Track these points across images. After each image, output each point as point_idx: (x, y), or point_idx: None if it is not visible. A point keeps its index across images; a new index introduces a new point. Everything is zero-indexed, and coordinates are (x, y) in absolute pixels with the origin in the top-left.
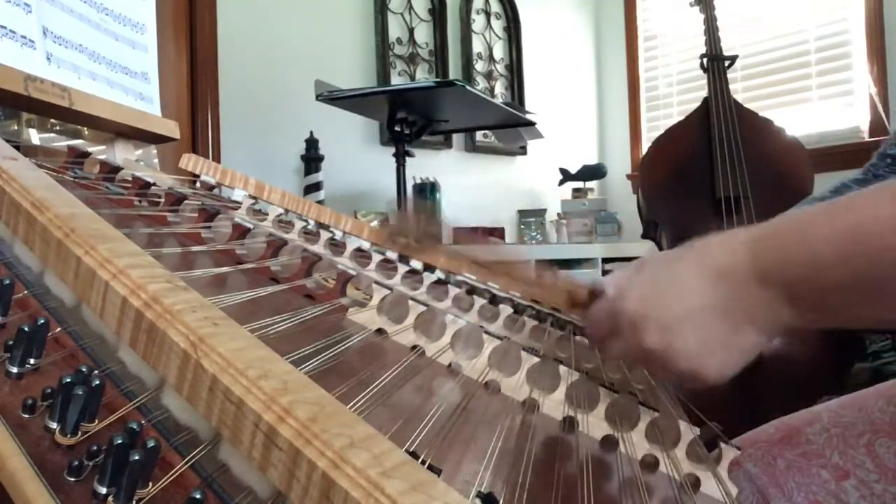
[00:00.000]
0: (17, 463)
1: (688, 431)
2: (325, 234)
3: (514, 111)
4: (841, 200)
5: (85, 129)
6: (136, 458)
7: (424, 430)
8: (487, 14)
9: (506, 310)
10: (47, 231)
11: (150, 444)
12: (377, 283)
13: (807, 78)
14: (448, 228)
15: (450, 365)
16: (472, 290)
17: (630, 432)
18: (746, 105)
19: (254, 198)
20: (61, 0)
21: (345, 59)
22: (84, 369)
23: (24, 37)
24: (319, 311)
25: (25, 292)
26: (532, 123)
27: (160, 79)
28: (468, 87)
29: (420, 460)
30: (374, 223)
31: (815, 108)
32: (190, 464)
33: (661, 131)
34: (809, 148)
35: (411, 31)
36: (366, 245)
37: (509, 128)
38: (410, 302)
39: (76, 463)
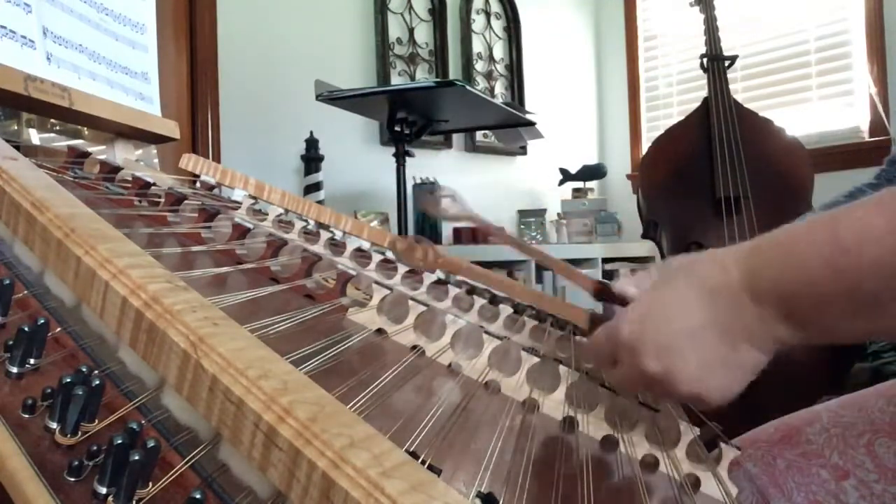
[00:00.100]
0: (17, 463)
1: (688, 431)
2: (325, 234)
3: (514, 111)
4: (831, 213)
5: (85, 129)
6: (136, 458)
7: (424, 430)
8: (487, 14)
9: (506, 310)
10: (47, 231)
11: (150, 444)
12: (377, 283)
13: (807, 78)
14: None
15: (450, 365)
16: (472, 290)
17: (630, 432)
18: (746, 105)
19: (254, 198)
20: (61, 0)
21: (345, 59)
22: (84, 369)
23: (24, 37)
24: (319, 311)
25: (25, 292)
26: (532, 123)
27: (160, 79)
28: (468, 87)
29: (420, 460)
30: (374, 223)
31: (815, 108)
32: (190, 464)
33: (661, 131)
34: (809, 148)
35: (411, 31)
36: (366, 245)
37: (509, 128)
38: (410, 302)
39: (76, 463)
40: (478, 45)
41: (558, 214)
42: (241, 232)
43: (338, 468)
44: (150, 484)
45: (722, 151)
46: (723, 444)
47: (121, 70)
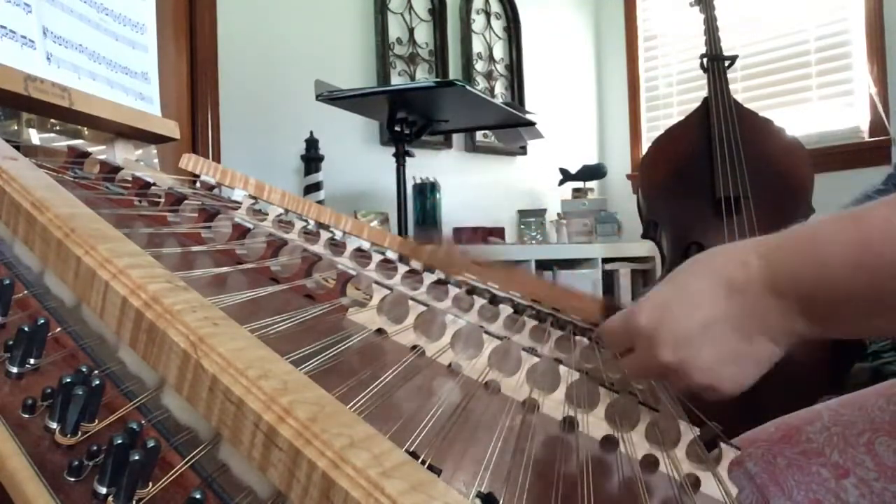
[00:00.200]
0: (17, 463)
1: (688, 431)
2: (325, 234)
3: (514, 111)
4: (853, 211)
5: (85, 129)
6: (136, 458)
7: (424, 430)
8: (487, 14)
9: (506, 310)
10: (47, 231)
11: (150, 444)
12: (377, 283)
13: (807, 78)
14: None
15: (450, 365)
16: (472, 290)
17: (630, 432)
18: (746, 105)
19: (254, 198)
20: (61, 0)
21: (345, 59)
22: (84, 369)
23: (24, 37)
24: (319, 311)
25: (25, 292)
26: (532, 123)
27: (160, 79)
28: (468, 87)
29: (420, 460)
30: (374, 223)
31: (815, 108)
32: (190, 464)
33: (661, 131)
34: (809, 148)
35: (411, 31)
36: (366, 245)
37: (509, 128)
38: (410, 302)
39: (76, 463)
40: (478, 45)
41: (558, 214)
42: (241, 232)
43: (338, 468)
44: (150, 484)
45: (722, 151)
46: (723, 444)
47: (121, 70)
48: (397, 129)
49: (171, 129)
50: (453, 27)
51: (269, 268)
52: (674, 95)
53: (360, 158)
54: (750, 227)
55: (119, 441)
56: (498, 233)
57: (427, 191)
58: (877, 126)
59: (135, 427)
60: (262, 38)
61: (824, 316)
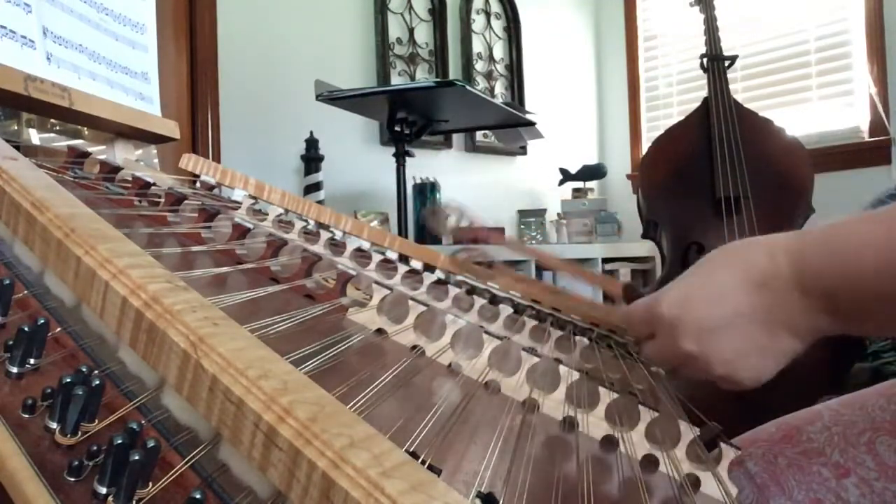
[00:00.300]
0: (17, 463)
1: (688, 431)
2: (325, 234)
3: (514, 111)
4: (881, 211)
5: (85, 129)
6: (136, 458)
7: (424, 430)
8: (487, 14)
9: (506, 310)
10: (47, 231)
11: (150, 444)
12: (377, 283)
13: (807, 78)
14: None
15: (450, 365)
16: (472, 290)
17: (630, 432)
18: (746, 105)
19: (254, 198)
20: (61, 0)
21: (345, 59)
22: (84, 369)
23: (24, 37)
24: (319, 311)
25: (25, 292)
26: (532, 123)
27: (160, 79)
28: (468, 87)
29: (420, 460)
30: (374, 223)
31: (815, 108)
32: (190, 464)
33: (661, 131)
34: (809, 148)
35: (411, 31)
36: (366, 245)
37: (509, 128)
38: (410, 302)
39: (76, 463)
40: (478, 45)
41: (558, 214)
42: (241, 232)
43: (338, 468)
44: (150, 484)
45: (722, 151)
46: (723, 444)
47: (121, 70)
48: (397, 129)
49: (171, 129)
50: (453, 27)
51: (269, 268)
52: (674, 95)
53: (360, 158)
54: (750, 227)
55: (119, 441)
56: (498, 233)
57: (427, 191)
58: (877, 126)
59: (135, 427)
60: (262, 38)
61: (848, 313)
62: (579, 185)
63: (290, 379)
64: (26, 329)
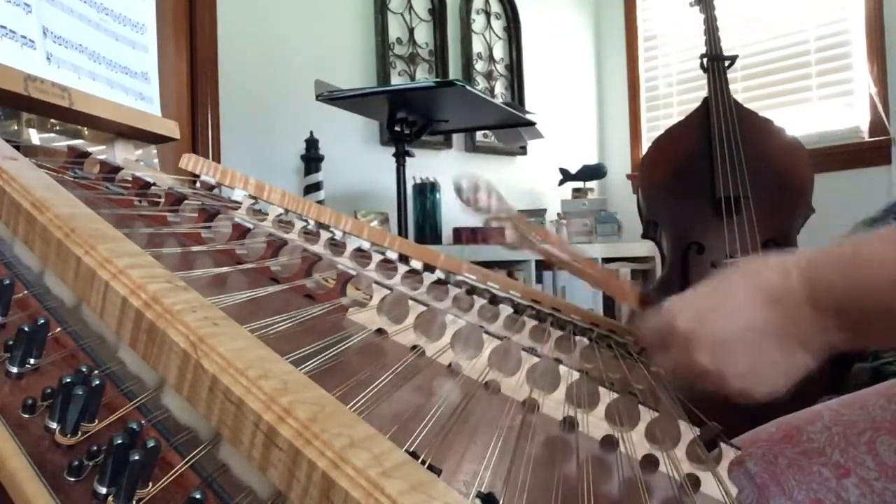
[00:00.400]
0: (17, 463)
1: (688, 431)
2: (325, 234)
3: (514, 111)
4: (890, 230)
5: (85, 129)
6: (136, 458)
7: (424, 430)
8: (487, 14)
9: (506, 310)
10: (47, 231)
11: (150, 444)
12: (377, 283)
13: (807, 78)
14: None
15: (450, 365)
16: (472, 290)
17: (630, 432)
18: (746, 105)
19: (254, 198)
20: (61, 0)
21: (345, 59)
22: (84, 369)
23: (24, 37)
24: (319, 311)
25: (25, 292)
26: (532, 123)
27: (160, 79)
28: (468, 87)
29: (420, 460)
30: (374, 223)
31: (815, 108)
32: (190, 464)
33: (661, 131)
34: (809, 148)
35: (411, 31)
36: (366, 245)
37: (509, 128)
38: (410, 302)
39: (76, 463)
40: (478, 45)
41: (558, 214)
42: (241, 232)
43: (338, 468)
44: (150, 484)
45: (722, 151)
46: (723, 444)
47: (121, 70)
48: (397, 129)
49: (171, 129)
50: (453, 27)
51: (269, 268)
52: (674, 95)
53: (360, 158)
54: (750, 227)
55: (119, 441)
56: (498, 233)
57: (427, 191)
58: (877, 126)
59: (135, 427)
60: (262, 38)
61: (861, 329)
62: (579, 185)
63: (290, 379)
64: (26, 329)
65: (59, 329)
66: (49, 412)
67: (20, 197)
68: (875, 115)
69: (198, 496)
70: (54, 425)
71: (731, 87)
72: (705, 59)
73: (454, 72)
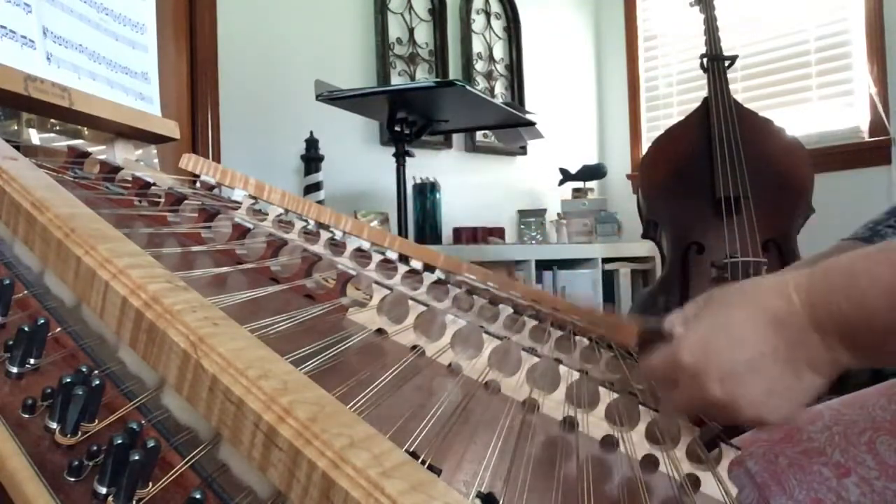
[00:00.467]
0: (17, 463)
1: (688, 431)
2: (325, 234)
3: (514, 111)
4: (883, 246)
5: (85, 129)
6: (136, 458)
7: (424, 430)
8: (487, 14)
9: (506, 310)
10: (47, 231)
11: (150, 444)
12: (377, 283)
13: (807, 78)
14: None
15: (450, 365)
16: (472, 291)
17: (630, 432)
18: (746, 105)
19: (254, 198)
20: (61, 0)
21: (345, 59)
22: (84, 369)
23: (24, 37)
24: (319, 311)
25: (25, 292)
26: (532, 123)
27: (160, 79)
28: (468, 87)
29: (420, 460)
30: (374, 223)
31: (815, 108)
32: (190, 464)
33: (661, 131)
34: (809, 148)
35: (411, 31)
36: (366, 245)
37: (509, 128)
38: (410, 302)
39: (76, 463)
40: (478, 45)
41: (558, 214)
42: (241, 232)
43: (338, 468)
44: (150, 484)
45: (722, 151)
46: (723, 444)
47: (121, 70)
48: (397, 129)
49: (171, 129)
50: (453, 27)
51: (269, 268)
52: (674, 95)
53: (360, 158)
54: (750, 227)
55: (119, 441)
56: (498, 233)
57: (427, 191)
58: (877, 126)
59: (135, 427)
60: (262, 38)
61: (866, 347)
62: (579, 185)
63: (290, 379)
64: (26, 329)
65: (59, 329)
66: (49, 412)
67: (20, 197)
68: (875, 115)
69: (198, 496)
70: (54, 425)
71: (731, 87)
72: (705, 59)
73: (454, 72)
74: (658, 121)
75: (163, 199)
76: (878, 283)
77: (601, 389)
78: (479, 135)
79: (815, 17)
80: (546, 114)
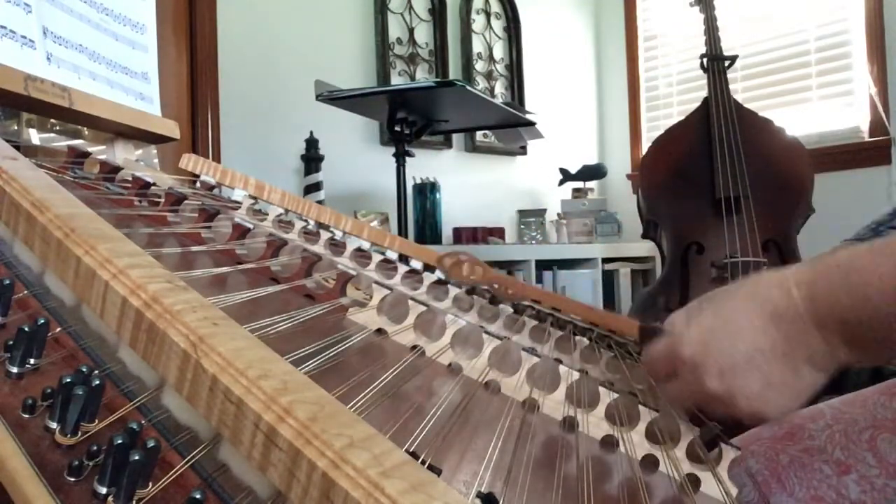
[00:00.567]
0: (17, 463)
1: (688, 431)
2: (325, 234)
3: (514, 111)
4: (883, 242)
5: (85, 129)
6: (136, 458)
7: (424, 430)
8: (487, 14)
9: (506, 310)
10: (47, 231)
11: (150, 444)
12: (377, 283)
13: (807, 78)
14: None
15: (450, 365)
16: (472, 291)
17: (630, 432)
18: (746, 105)
19: (254, 198)
20: (61, 0)
21: (345, 59)
22: (84, 369)
23: (24, 37)
24: (319, 311)
25: (25, 292)
26: (532, 123)
27: (160, 79)
28: (468, 87)
29: (420, 460)
30: (374, 223)
31: (815, 108)
32: (190, 464)
33: (661, 131)
34: (809, 148)
35: (411, 31)
36: (366, 245)
37: (509, 128)
38: (410, 302)
39: (76, 463)
40: (478, 45)
41: (558, 214)
42: (241, 232)
43: (338, 468)
44: (150, 484)
45: (722, 151)
46: (723, 444)
47: (121, 70)
48: (397, 129)
49: (171, 129)
50: (453, 27)
51: (269, 268)
52: (674, 95)
53: (360, 158)
54: (750, 227)
55: (119, 441)
56: (498, 233)
57: (427, 191)
58: (877, 126)
59: (135, 427)
60: (262, 38)
61: (866, 343)
62: (579, 185)
63: (290, 379)
64: (26, 329)
65: (59, 329)
66: (49, 412)
67: (20, 197)
68: (875, 115)
69: (198, 496)
70: (54, 425)
71: (731, 87)
72: (705, 59)
73: (454, 72)
74: (658, 121)
75: (163, 199)
76: (880, 278)
77: (601, 389)
78: (479, 135)
79: (815, 17)
80: (546, 114)
